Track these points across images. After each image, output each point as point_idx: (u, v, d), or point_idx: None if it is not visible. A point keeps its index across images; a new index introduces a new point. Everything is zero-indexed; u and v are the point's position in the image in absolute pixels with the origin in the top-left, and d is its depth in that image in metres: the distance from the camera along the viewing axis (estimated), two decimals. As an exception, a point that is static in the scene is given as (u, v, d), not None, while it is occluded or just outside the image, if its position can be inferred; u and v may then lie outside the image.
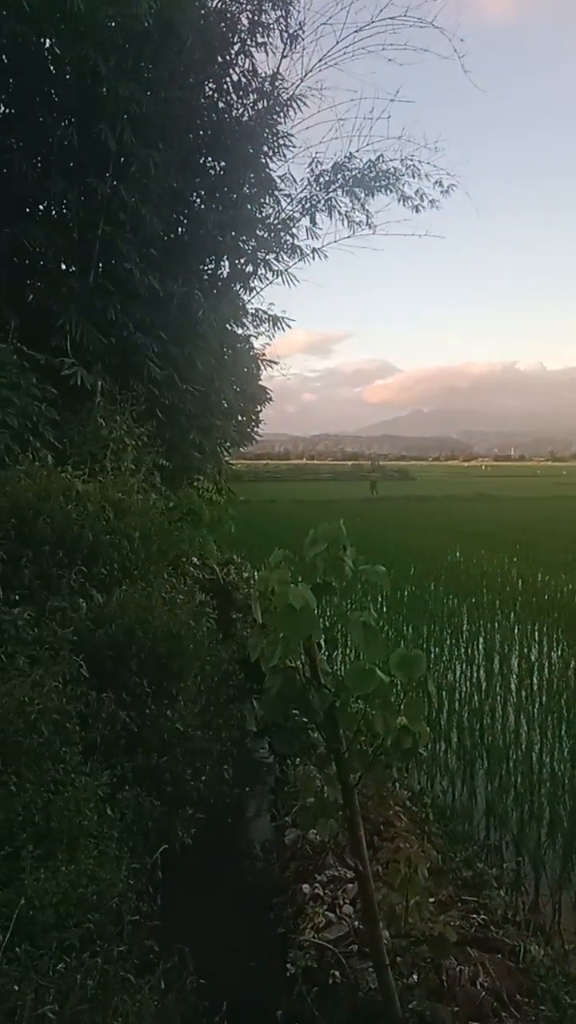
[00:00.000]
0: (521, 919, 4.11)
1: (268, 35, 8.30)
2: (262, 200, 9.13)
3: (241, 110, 8.95)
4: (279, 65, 8.53)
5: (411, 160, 9.28)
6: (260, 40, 8.34)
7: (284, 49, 8.43)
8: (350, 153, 9.37)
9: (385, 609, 12.92)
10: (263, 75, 8.67)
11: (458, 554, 19.25)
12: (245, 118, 8.84)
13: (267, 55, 8.41)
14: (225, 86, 8.79)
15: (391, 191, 9.65)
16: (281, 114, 8.97)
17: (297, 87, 8.73)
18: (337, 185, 9.69)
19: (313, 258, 9.79)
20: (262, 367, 10.46)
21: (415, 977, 3.26)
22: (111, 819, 3.80)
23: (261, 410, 11.22)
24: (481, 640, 10.42)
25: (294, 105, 8.73)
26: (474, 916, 3.85)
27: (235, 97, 8.90)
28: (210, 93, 8.67)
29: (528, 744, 6.74)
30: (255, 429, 11.34)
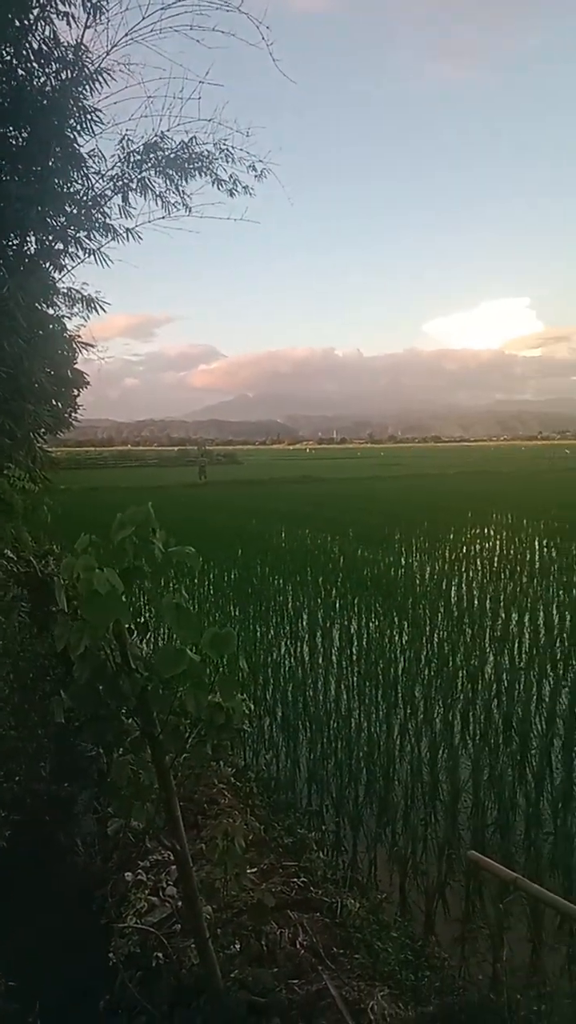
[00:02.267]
0: (340, 877, 4.33)
1: (70, 3, 7.89)
2: (70, 175, 8.73)
3: (43, 79, 8.46)
4: (83, 36, 8.16)
5: (225, 144, 9.23)
6: (61, 8, 7.91)
7: (87, 19, 8.06)
8: (162, 133, 9.14)
9: (212, 592, 13.01)
10: (66, 45, 8.24)
11: (283, 535, 19.74)
12: (48, 88, 8.37)
13: (70, 26, 7.99)
14: (24, 53, 8.26)
15: (205, 174, 9.56)
16: (87, 87, 8.58)
17: (103, 60, 8.39)
18: (150, 165, 9.45)
19: (127, 238, 9.51)
20: (78, 350, 10.05)
21: (237, 946, 3.34)
22: None
23: (79, 394, 10.79)
24: (305, 616, 10.78)
25: (101, 79, 8.39)
26: (295, 880, 4.01)
27: (36, 65, 8.39)
28: (8, 58, 8.12)
29: (348, 711, 7.09)
30: (73, 414, 10.89)
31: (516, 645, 9.14)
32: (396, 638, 9.59)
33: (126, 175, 9.20)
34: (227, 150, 9.00)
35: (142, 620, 7.10)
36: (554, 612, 10.58)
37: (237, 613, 11.36)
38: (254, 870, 4.03)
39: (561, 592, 12.00)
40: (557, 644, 9.03)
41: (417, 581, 13.20)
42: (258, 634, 9.92)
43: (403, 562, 15.36)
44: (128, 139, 9.00)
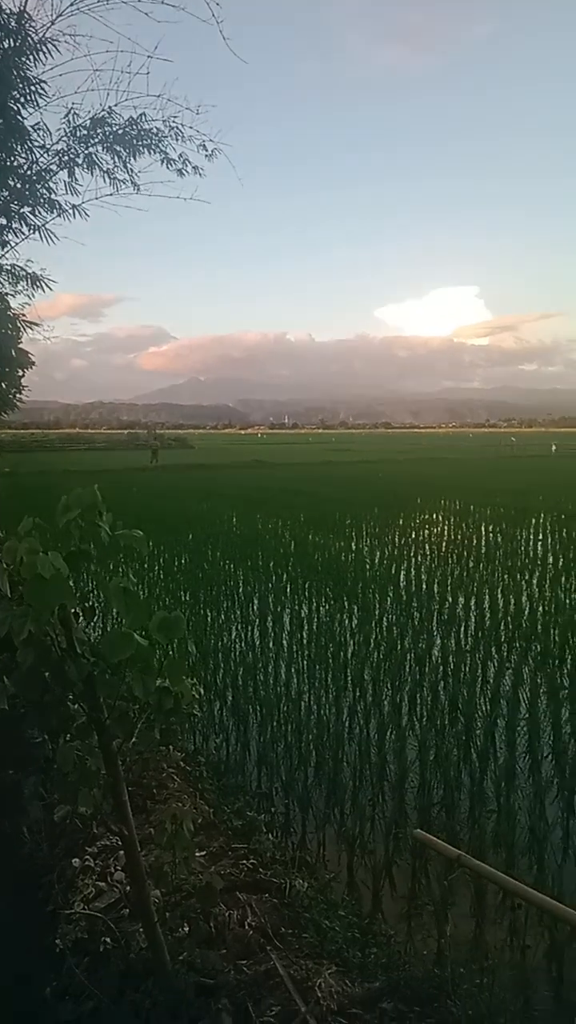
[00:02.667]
0: (289, 858, 4.36)
1: (11, -32, 7.64)
2: (12, 147, 8.48)
3: (-17, 47, 8.18)
4: (25, 3, 7.90)
5: (174, 122, 9.06)
6: (3, -27, 7.67)
7: (31, -15, 7.82)
8: (109, 108, 8.93)
9: (162, 576, 12.92)
10: (8, 12, 7.97)
11: (235, 520, 19.69)
12: (-12, 57, 8.10)
13: (12, -7, 7.74)
14: (-37, 19, 7.97)
15: (154, 151, 9.38)
16: (31, 57, 8.33)
17: (47, 30, 8.15)
18: (97, 140, 9.23)
19: (74, 215, 9.28)
20: (23, 329, 9.79)
21: (186, 929, 3.35)
22: None
23: (23, 375, 10.53)
24: (256, 601, 10.79)
25: (45, 49, 8.15)
26: (244, 862, 4.03)
27: (-24, 33, 8.11)
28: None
29: (298, 695, 7.14)
30: (17, 396, 10.63)
31: (462, 628, 9.31)
32: (346, 622, 9.67)
33: (72, 150, 8.99)
34: (177, 128, 8.85)
35: (89, 604, 7.00)
36: (499, 595, 10.81)
37: (187, 598, 11.32)
38: (203, 853, 4.04)
39: (506, 576, 12.26)
40: (501, 627, 9.22)
41: (367, 565, 13.33)
42: (209, 619, 9.89)
43: (353, 547, 15.49)
44: (75, 113, 8.78)
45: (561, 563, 13.39)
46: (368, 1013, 2.95)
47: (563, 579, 11.93)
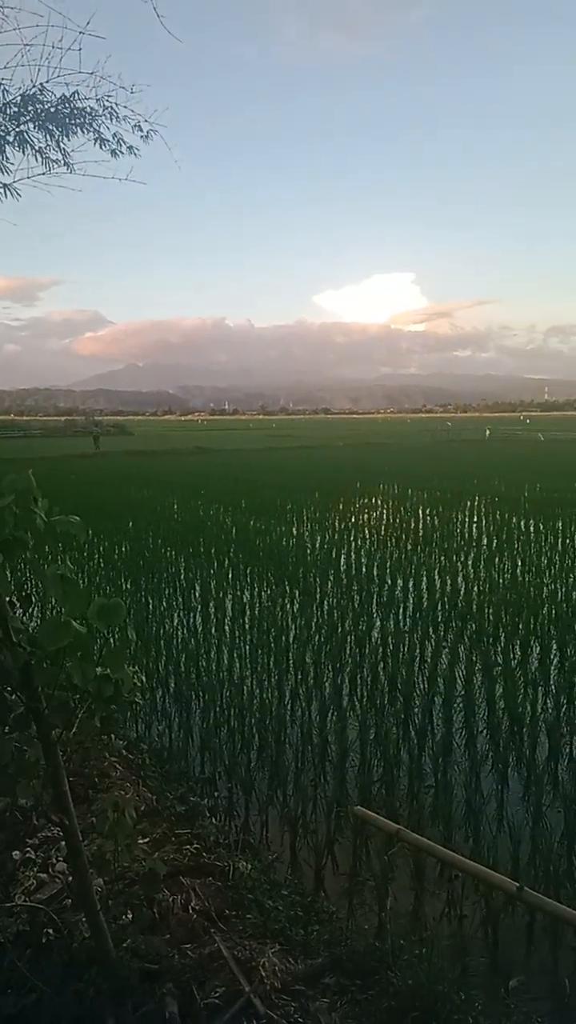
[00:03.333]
0: (232, 841, 4.39)
1: None
2: None
3: None
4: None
5: (108, 101, 8.80)
6: None
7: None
8: (41, 85, 8.62)
9: (102, 564, 12.75)
10: None
11: (176, 506, 19.54)
12: None
13: None
14: None
15: (88, 131, 9.11)
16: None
17: (-29, -1, 7.82)
18: (28, 118, 8.91)
19: (4, 195, 8.95)
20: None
21: (129, 916, 3.34)
22: None
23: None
24: (198, 587, 10.75)
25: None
26: (188, 847, 4.04)
27: None
28: None
29: (240, 680, 7.16)
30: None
31: (401, 610, 9.47)
32: (288, 606, 9.73)
33: (2, 127, 8.66)
34: (111, 107, 8.60)
35: (26, 593, 6.86)
36: (436, 577, 11.03)
37: (128, 586, 11.20)
38: (146, 840, 4.03)
39: (443, 558, 12.52)
40: (438, 608, 9.42)
41: (308, 550, 13.42)
42: (150, 606, 9.82)
43: (295, 532, 15.57)
44: (4, 89, 8.45)
45: (495, 544, 13.75)
46: (311, 989, 3.00)
47: (497, 560, 12.25)
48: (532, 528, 15.36)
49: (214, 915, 3.43)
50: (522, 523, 15.97)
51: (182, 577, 11.62)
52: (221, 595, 10.38)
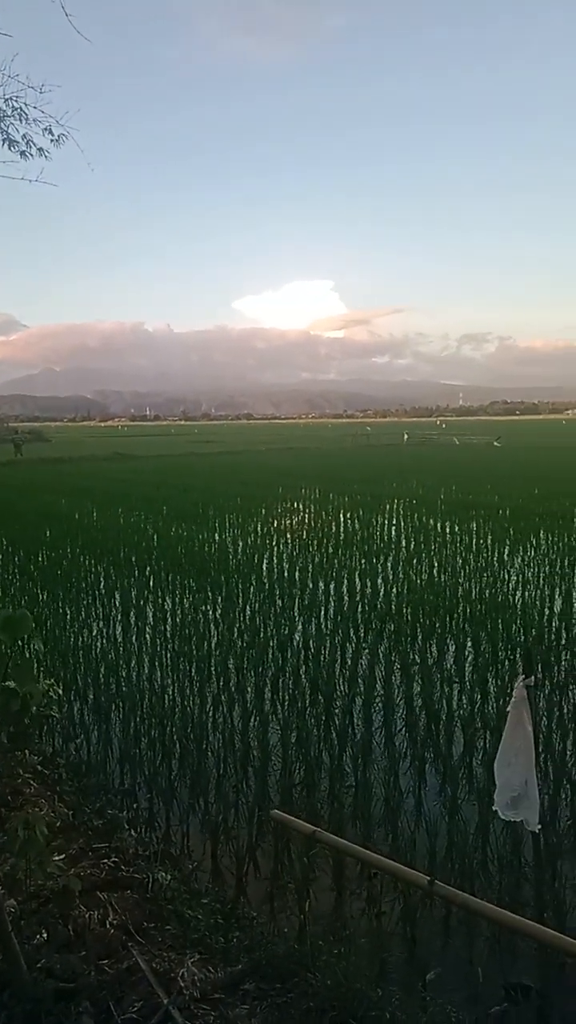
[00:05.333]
0: (152, 853, 4.33)
1: None
2: None
3: None
4: None
5: (16, 101, 8.57)
6: None
7: None
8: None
9: (18, 575, 12.38)
10: None
11: (95, 514, 19.15)
12: None
13: None
14: None
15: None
16: None
17: None
18: None
19: None
20: None
21: (44, 935, 3.25)
22: None
23: None
24: (118, 596, 10.57)
25: None
26: (105, 861, 3.96)
27: None
28: None
29: (162, 688, 7.08)
30: None
31: (322, 612, 9.56)
32: (210, 612, 9.68)
33: None
34: (20, 108, 8.39)
35: None
36: (356, 580, 11.18)
37: (45, 596, 10.91)
38: (62, 856, 3.93)
39: (363, 561, 12.71)
40: (359, 609, 9.56)
41: (230, 555, 13.39)
42: (68, 616, 9.59)
43: (217, 537, 15.51)
44: None
45: (413, 546, 14.05)
46: (231, 996, 2.99)
47: (415, 561, 12.52)
48: (448, 530, 15.77)
49: (132, 929, 3.37)
50: (439, 525, 16.38)
51: (102, 586, 11.41)
52: (142, 603, 10.24)
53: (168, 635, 8.76)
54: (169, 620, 9.38)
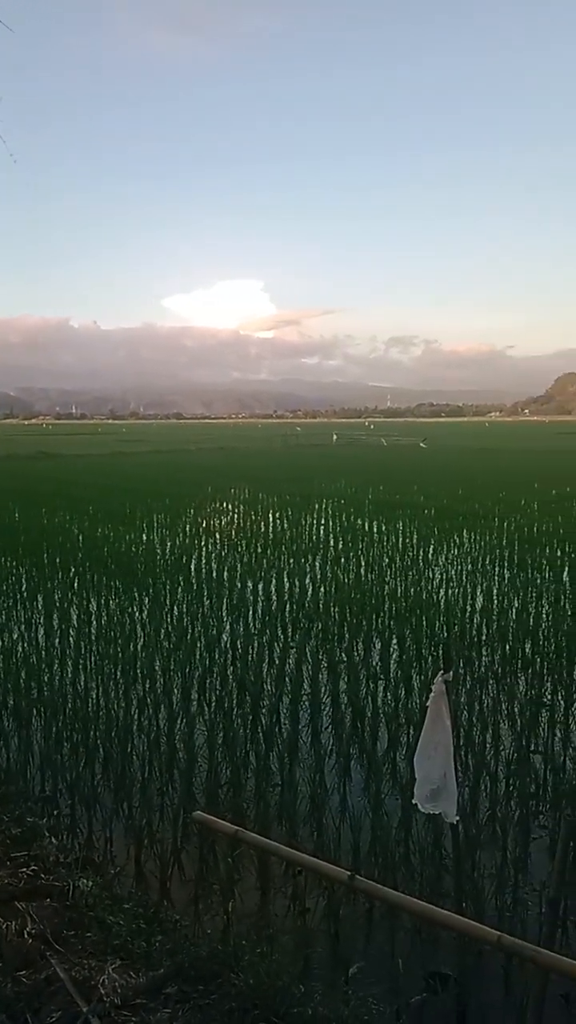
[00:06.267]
0: (73, 860, 4.23)
1: None
2: None
3: None
4: None
5: None
6: None
7: None
8: None
9: None
10: None
11: (17, 515, 18.63)
12: None
13: None
14: None
15: None
16: None
17: None
18: None
19: None
20: None
21: (-45, 952, 3.14)
22: None
23: None
24: (40, 599, 10.31)
25: None
26: (24, 870, 3.86)
27: None
28: None
29: (86, 692, 6.94)
30: None
31: (251, 612, 9.56)
32: (136, 614, 9.55)
33: None
34: None
35: None
36: (285, 579, 11.22)
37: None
38: (-23, 868, 3.81)
39: (291, 560, 12.77)
40: (287, 609, 9.60)
41: (158, 556, 13.25)
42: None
43: (144, 538, 15.32)
44: None
45: (341, 546, 14.20)
46: (152, 1001, 2.95)
47: (343, 560, 12.66)
48: (376, 529, 16.00)
49: (51, 938, 3.29)
50: (367, 525, 16.60)
51: (24, 588, 11.10)
52: (66, 605, 10.03)
53: (93, 638, 8.60)
54: (94, 622, 9.21)
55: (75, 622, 9.29)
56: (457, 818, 3.25)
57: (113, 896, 3.79)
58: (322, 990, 3.09)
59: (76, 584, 11.37)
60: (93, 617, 9.43)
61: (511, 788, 5.05)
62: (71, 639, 8.60)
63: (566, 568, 11.87)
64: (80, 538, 15.19)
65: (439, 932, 3.64)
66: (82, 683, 7.21)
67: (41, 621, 9.37)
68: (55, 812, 4.94)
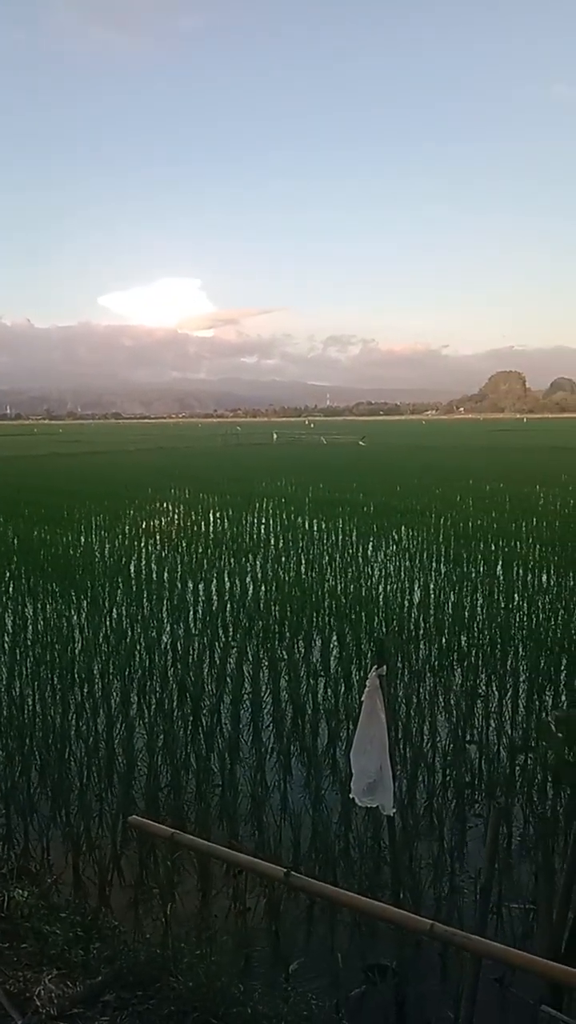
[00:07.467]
0: (8, 870, 4.15)
1: None
2: None
3: None
4: None
5: None
6: None
7: None
8: None
9: None
10: None
11: (-51, 519, 18.08)
12: None
13: None
14: None
15: None
16: None
17: None
18: None
19: None
20: None
21: None
22: None
23: None
24: (-27, 605, 10.04)
25: None
26: (-47, 885, 3.75)
27: None
28: None
29: (21, 698, 6.78)
30: None
31: (191, 613, 9.50)
32: (74, 618, 9.39)
33: None
34: None
35: None
36: (226, 579, 11.20)
37: None
38: None
39: (232, 560, 12.75)
40: (228, 609, 9.57)
41: (97, 558, 13.05)
42: None
43: (82, 540, 15.06)
44: None
45: (281, 544, 14.24)
46: (90, 1010, 2.92)
47: (283, 559, 12.69)
48: (316, 527, 16.09)
49: (-16, 952, 3.21)
50: (307, 523, 16.69)
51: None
52: (1, 611, 9.78)
53: (29, 643, 8.41)
54: (30, 627, 9.02)
55: (10, 627, 9.07)
56: (394, 810, 3.30)
57: (50, 905, 3.73)
58: (262, 988, 3.10)
59: (11, 588, 11.11)
60: (29, 622, 9.23)
61: (447, 779, 5.16)
62: (6, 645, 8.40)
63: (499, 562, 12.16)
64: (15, 541, 14.85)
65: (378, 925, 3.68)
66: (17, 690, 7.05)
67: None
68: (-11, 823, 4.82)
